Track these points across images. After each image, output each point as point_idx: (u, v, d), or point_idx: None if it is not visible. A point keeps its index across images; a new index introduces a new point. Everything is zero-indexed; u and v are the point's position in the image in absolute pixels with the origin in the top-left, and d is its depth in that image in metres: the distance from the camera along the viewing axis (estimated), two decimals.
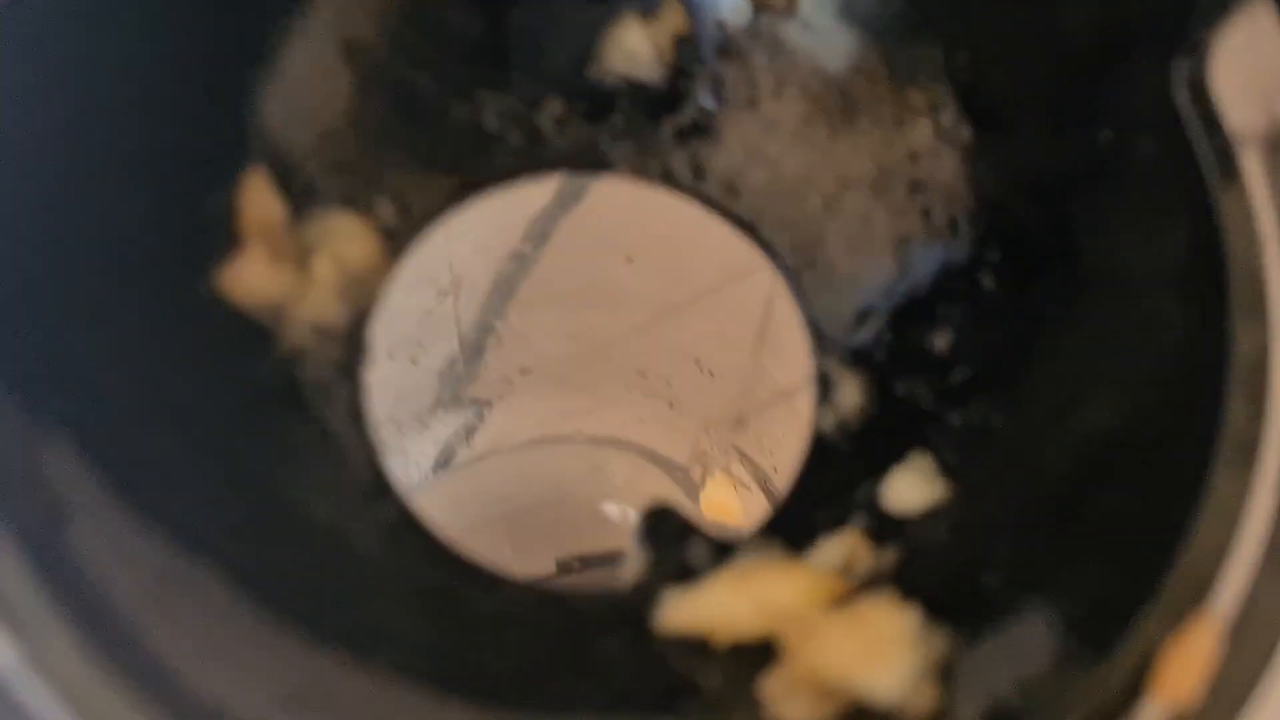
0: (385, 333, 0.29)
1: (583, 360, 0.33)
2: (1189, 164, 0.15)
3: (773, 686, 0.14)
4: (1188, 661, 0.12)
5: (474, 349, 0.32)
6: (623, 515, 0.34)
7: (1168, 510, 0.13)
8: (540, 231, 0.28)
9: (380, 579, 0.15)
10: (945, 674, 0.14)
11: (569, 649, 0.15)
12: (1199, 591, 0.12)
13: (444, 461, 0.34)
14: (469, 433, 0.34)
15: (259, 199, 0.17)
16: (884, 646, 0.14)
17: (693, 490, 0.34)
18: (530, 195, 0.26)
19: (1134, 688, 0.12)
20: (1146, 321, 0.15)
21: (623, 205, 0.26)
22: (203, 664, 0.13)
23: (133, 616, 0.13)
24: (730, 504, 0.33)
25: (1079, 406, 0.15)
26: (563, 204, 0.27)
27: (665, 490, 0.34)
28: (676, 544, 0.17)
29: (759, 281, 0.26)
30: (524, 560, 0.33)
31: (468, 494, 0.34)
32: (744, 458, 0.33)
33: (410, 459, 0.33)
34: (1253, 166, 0.15)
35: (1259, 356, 0.14)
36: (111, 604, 0.12)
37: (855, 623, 0.14)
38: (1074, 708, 0.12)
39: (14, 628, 0.11)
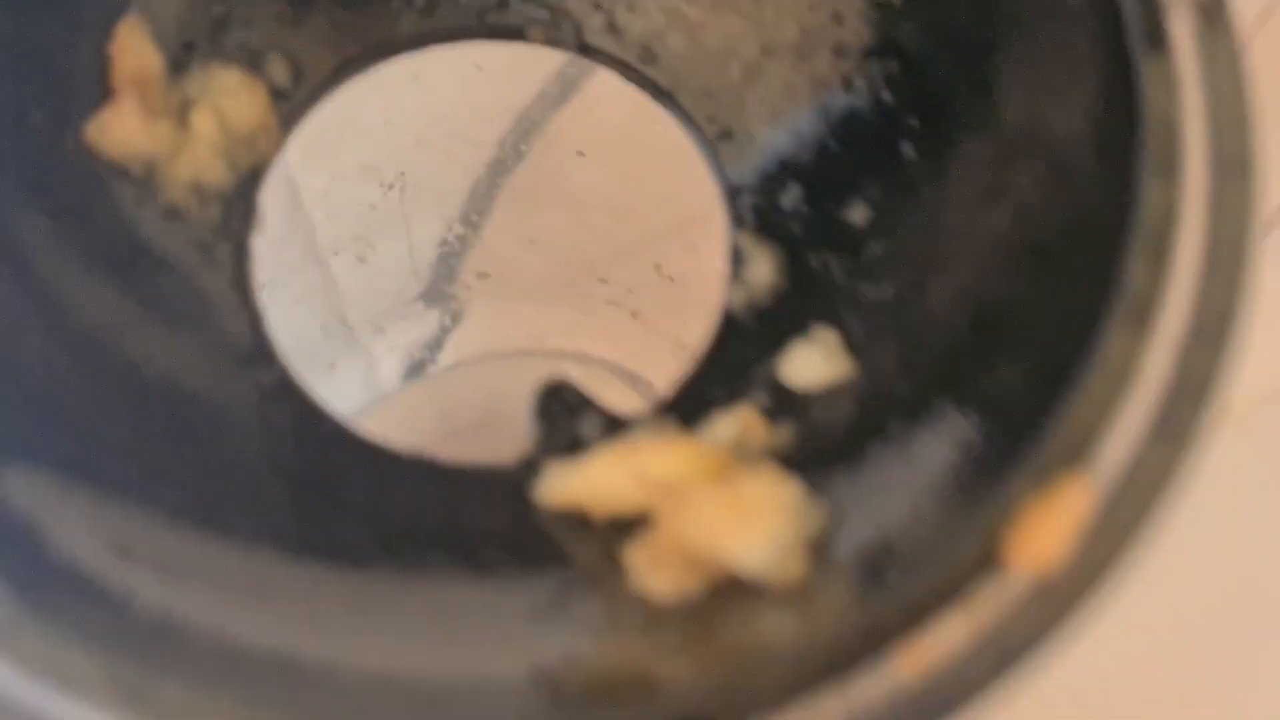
0: (329, 226, 0.29)
1: (542, 266, 0.32)
2: (1114, 23, 0.14)
3: (639, 555, 0.13)
4: (1056, 521, 0.11)
5: (428, 251, 0.31)
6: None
7: (1057, 368, 0.12)
8: (488, 122, 0.27)
9: (244, 448, 0.15)
10: (819, 548, 0.13)
11: (440, 518, 0.15)
12: (1078, 451, 0.11)
13: (411, 371, 0.33)
14: (428, 344, 0.33)
15: (132, 48, 0.16)
16: (756, 516, 0.13)
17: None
18: (463, 76, 0.25)
19: (999, 549, 0.11)
20: (1061, 184, 0.14)
21: (570, 93, 0.25)
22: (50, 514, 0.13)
23: None
24: None
25: (987, 275, 0.14)
26: (507, 98, 0.26)
27: (630, 406, 0.33)
28: (568, 419, 0.16)
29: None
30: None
31: (422, 408, 0.33)
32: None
33: (368, 366, 0.32)
34: (1183, 34, 0.14)
35: (1166, 217, 0.13)
36: None
37: (730, 493, 0.13)
38: (938, 563, 0.12)
39: None
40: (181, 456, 0.14)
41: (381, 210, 0.28)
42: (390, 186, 0.28)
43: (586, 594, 0.13)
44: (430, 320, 0.33)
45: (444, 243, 0.31)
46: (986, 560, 0.11)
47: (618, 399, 0.34)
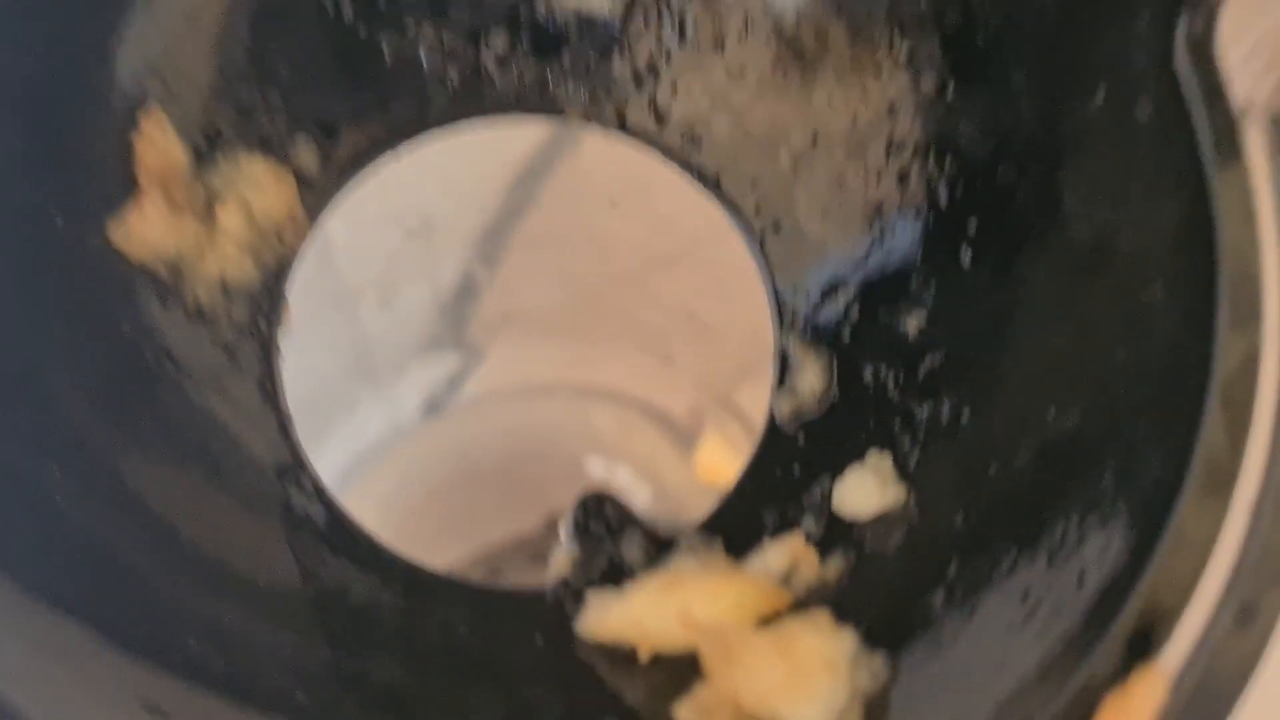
0: (352, 272, 0.28)
1: (571, 308, 0.32)
2: (1187, 134, 0.13)
3: (689, 712, 0.13)
4: (1130, 713, 0.10)
5: (452, 294, 0.30)
6: (609, 470, 0.32)
7: (1130, 531, 0.11)
8: (515, 173, 0.26)
9: (277, 581, 0.14)
10: (877, 706, 0.12)
11: (477, 648, 0.14)
12: (1152, 641, 0.11)
13: (431, 409, 0.33)
14: (452, 381, 0.33)
15: (156, 139, 0.15)
16: (811, 674, 0.12)
17: (684, 448, 0.32)
18: (495, 135, 0.24)
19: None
20: (1131, 312, 0.13)
21: (599, 148, 0.24)
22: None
23: None
24: (723, 465, 0.32)
25: (1051, 403, 0.14)
26: (536, 146, 0.25)
27: (655, 446, 0.33)
28: (611, 538, 0.15)
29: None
30: (505, 518, 0.31)
31: (450, 447, 0.32)
32: (739, 418, 0.31)
33: (391, 405, 0.32)
34: (1255, 141, 0.13)
35: (1246, 370, 0.12)
36: None
37: (783, 645, 0.13)
38: None
39: None
40: (209, 596, 0.13)
41: (404, 256, 0.28)
42: (414, 233, 0.27)
43: None
44: (451, 360, 0.32)
45: (466, 286, 0.30)
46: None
47: (646, 442, 0.33)
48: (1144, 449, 0.12)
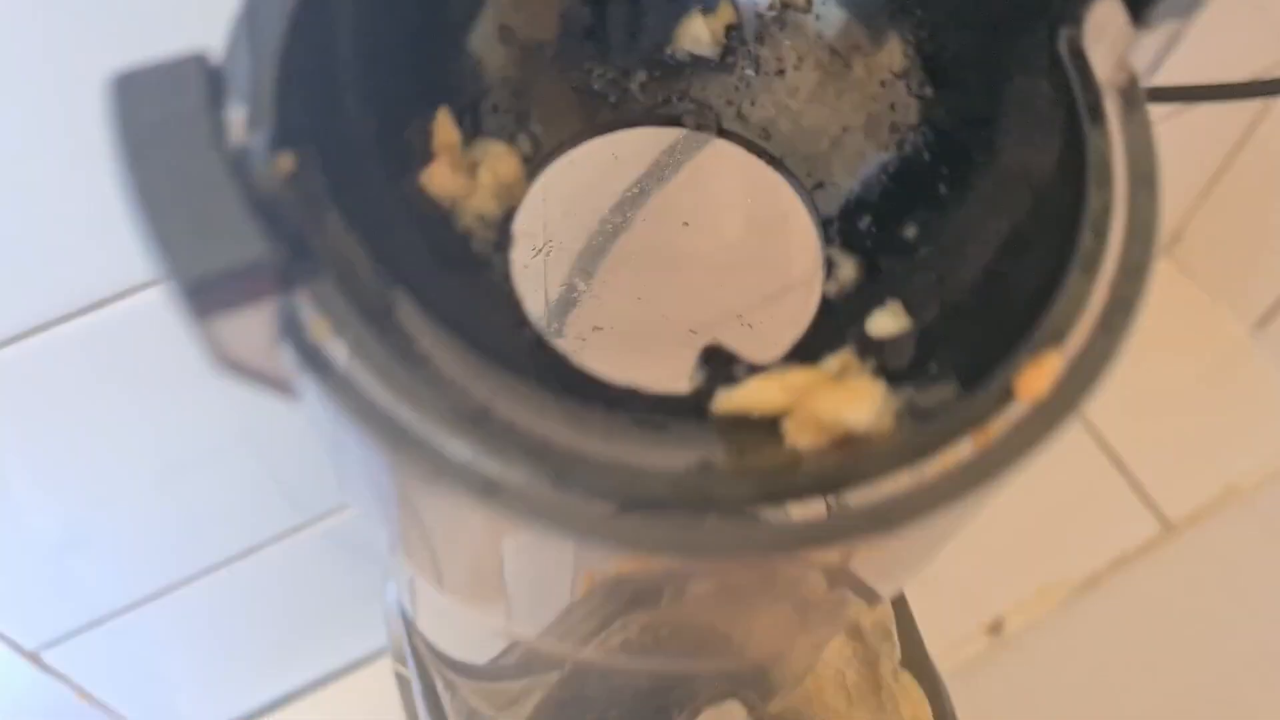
0: None
1: (645, 319, 0.41)
2: (1071, 102, 0.23)
3: (789, 424, 0.22)
4: (1041, 374, 0.19)
5: (558, 306, 0.40)
6: None
7: (1039, 300, 0.21)
8: (620, 200, 0.36)
9: (517, 361, 0.23)
10: (898, 414, 0.21)
11: (646, 421, 0.23)
12: (1056, 338, 0.20)
13: None
14: None
15: (445, 131, 0.25)
16: (860, 399, 0.21)
17: None
18: (618, 163, 0.34)
19: (1008, 395, 0.20)
20: (1038, 201, 0.23)
21: (687, 176, 0.34)
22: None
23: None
24: None
25: (993, 249, 0.23)
26: (635, 175, 0.35)
27: None
28: (725, 366, 0.24)
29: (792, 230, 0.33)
30: None
31: None
32: None
33: None
34: (1111, 105, 0.23)
35: (1105, 208, 0.21)
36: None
37: (844, 388, 0.22)
38: (970, 416, 0.20)
39: (340, 333, 0.19)
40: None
41: (530, 271, 0.37)
42: (538, 252, 0.37)
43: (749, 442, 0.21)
44: None
45: (566, 299, 0.40)
46: (1007, 396, 0.19)
47: None
48: (1048, 263, 0.22)
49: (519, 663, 0.39)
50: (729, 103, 0.27)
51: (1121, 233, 0.21)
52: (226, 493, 0.59)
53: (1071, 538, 1.02)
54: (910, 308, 0.24)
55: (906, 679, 0.41)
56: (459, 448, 0.18)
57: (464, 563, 0.25)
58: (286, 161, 0.19)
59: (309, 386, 0.19)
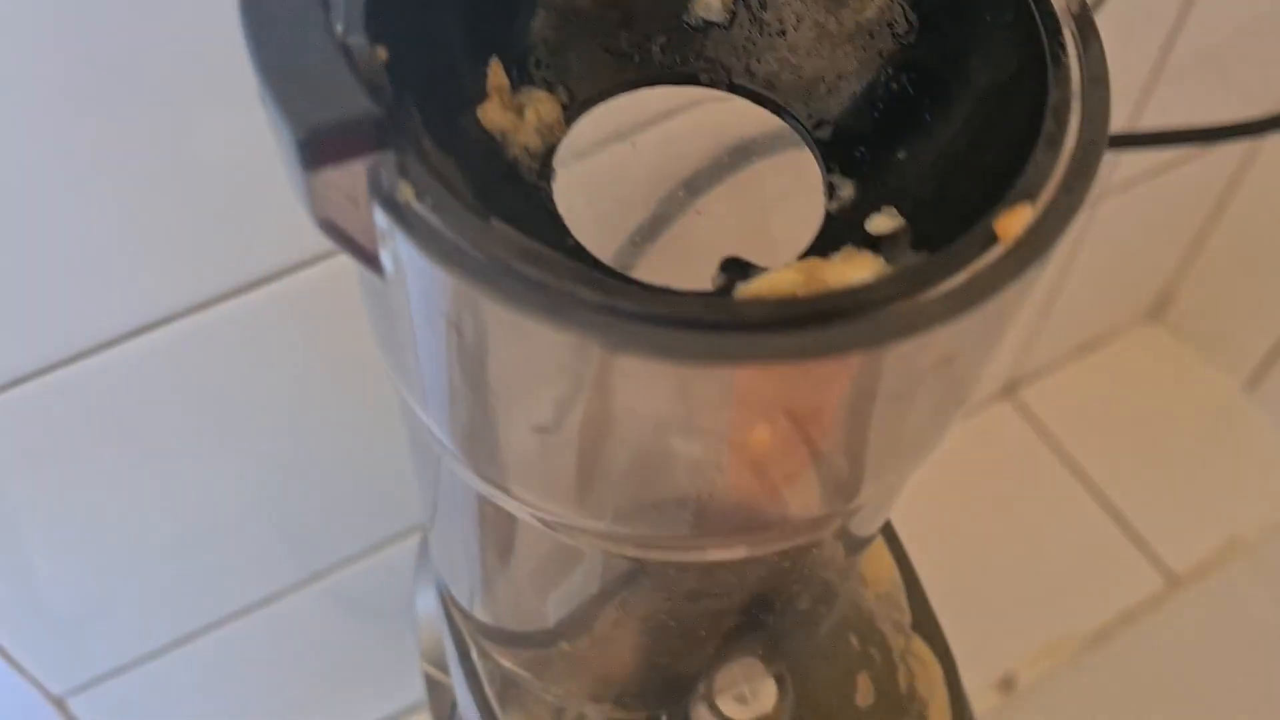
0: None
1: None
2: (1035, 29, 0.27)
3: (801, 292, 0.25)
4: (1016, 218, 0.23)
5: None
6: None
7: (1011, 172, 0.24)
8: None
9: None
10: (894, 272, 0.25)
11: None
12: (1028, 195, 0.23)
13: None
14: None
15: (497, 75, 0.29)
16: (863, 265, 0.25)
17: None
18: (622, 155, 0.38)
19: (990, 238, 0.23)
20: (1004, 114, 0.27)
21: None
22: None
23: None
24: None
25: (974, 165, 0.27)
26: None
27: None
28: (743, 270, 0.28)
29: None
30: None
31: None
32: None
33: None
34: (1068, 31, 0.27)
35: (1064, 100, 0.25)
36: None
37: (847, 261, 0.25)
38: (956, 261, 0.23)
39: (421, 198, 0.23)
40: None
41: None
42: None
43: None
44: None
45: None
46: (990, 239, 0.23)
47: None
48: (1025, 151, 0.25)
49: (553, 628, 0.42)
50: (738, 60, 0.31)
51: (1078, 119, 0.25)
52: (241, 549, 0.62)
53: (1078, 594, 1.04)
54: (902, 211, 0.28)
55: (918, 643, 0.44)
56: (551, 279, 0.22)
57: (535, 424, 0.28)
58: (382, 52, 0.23)
59: (396, 240, 0.22)
